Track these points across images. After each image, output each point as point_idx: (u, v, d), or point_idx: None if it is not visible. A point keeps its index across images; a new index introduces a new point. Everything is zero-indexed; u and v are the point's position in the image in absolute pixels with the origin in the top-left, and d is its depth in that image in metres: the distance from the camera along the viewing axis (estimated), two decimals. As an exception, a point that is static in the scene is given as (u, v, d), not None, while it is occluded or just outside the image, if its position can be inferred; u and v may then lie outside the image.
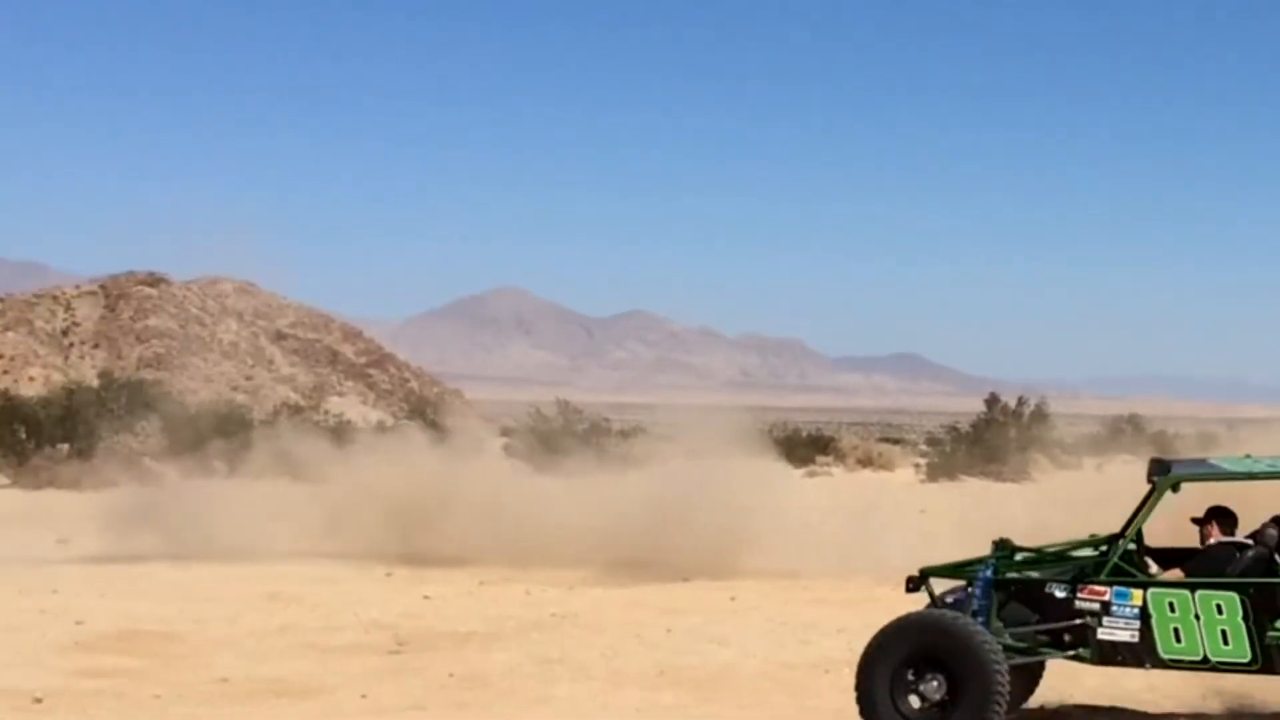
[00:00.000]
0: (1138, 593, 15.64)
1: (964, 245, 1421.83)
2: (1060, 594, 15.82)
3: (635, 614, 23.16)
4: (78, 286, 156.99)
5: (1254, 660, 15.24)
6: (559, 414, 64.91)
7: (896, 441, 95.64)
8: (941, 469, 64.31)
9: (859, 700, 15.21)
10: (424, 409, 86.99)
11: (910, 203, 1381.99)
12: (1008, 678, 15.00)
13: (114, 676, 18.16)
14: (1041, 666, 16.33)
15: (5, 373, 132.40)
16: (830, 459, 70.16)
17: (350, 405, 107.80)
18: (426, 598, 25.33)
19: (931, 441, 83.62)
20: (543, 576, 27.76)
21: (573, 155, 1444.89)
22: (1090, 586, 15.76)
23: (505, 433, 70.37)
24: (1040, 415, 69.46)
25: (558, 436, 56.62)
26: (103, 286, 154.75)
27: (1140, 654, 15.53)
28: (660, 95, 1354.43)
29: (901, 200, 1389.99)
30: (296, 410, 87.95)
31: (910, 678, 15.11)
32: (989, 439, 66.57)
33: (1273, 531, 15.81)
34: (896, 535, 31.22)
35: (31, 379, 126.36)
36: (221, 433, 52.79)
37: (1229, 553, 15.82)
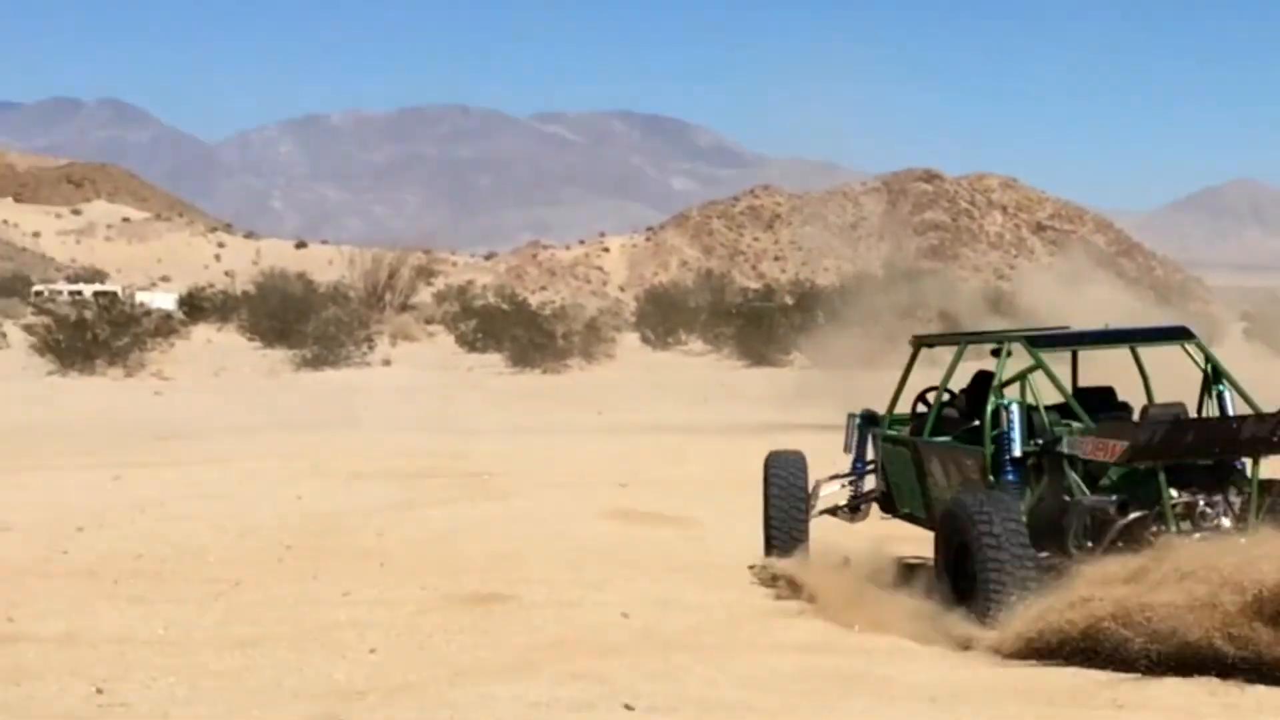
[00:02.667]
0: (880, 447, 15.17)
1: None
2: (871, 448, 15.47)
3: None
4: (864, 184, 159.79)
5: (929, 516, 14.00)
6: (1294, 299, 62.49)
7: None
8: None
9: None
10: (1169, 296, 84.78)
11: None
12: (788, 511, 15.20)
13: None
14: None
15: (804, 264, 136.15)
16: None
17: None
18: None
19: None
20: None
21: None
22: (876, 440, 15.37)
23: (1245, 318, 68.20)
24: None
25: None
26: (885, 183, 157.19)
27: (892, 505, 15.05)
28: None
29: None
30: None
31: None
32: None
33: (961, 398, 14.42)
34: None
35: (826, 269, 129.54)
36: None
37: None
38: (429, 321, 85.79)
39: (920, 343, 15.46)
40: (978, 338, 15.37)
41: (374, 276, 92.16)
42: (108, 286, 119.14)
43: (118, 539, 17.85)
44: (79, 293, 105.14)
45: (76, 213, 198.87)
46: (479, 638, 12.98)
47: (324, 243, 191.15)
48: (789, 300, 70.73)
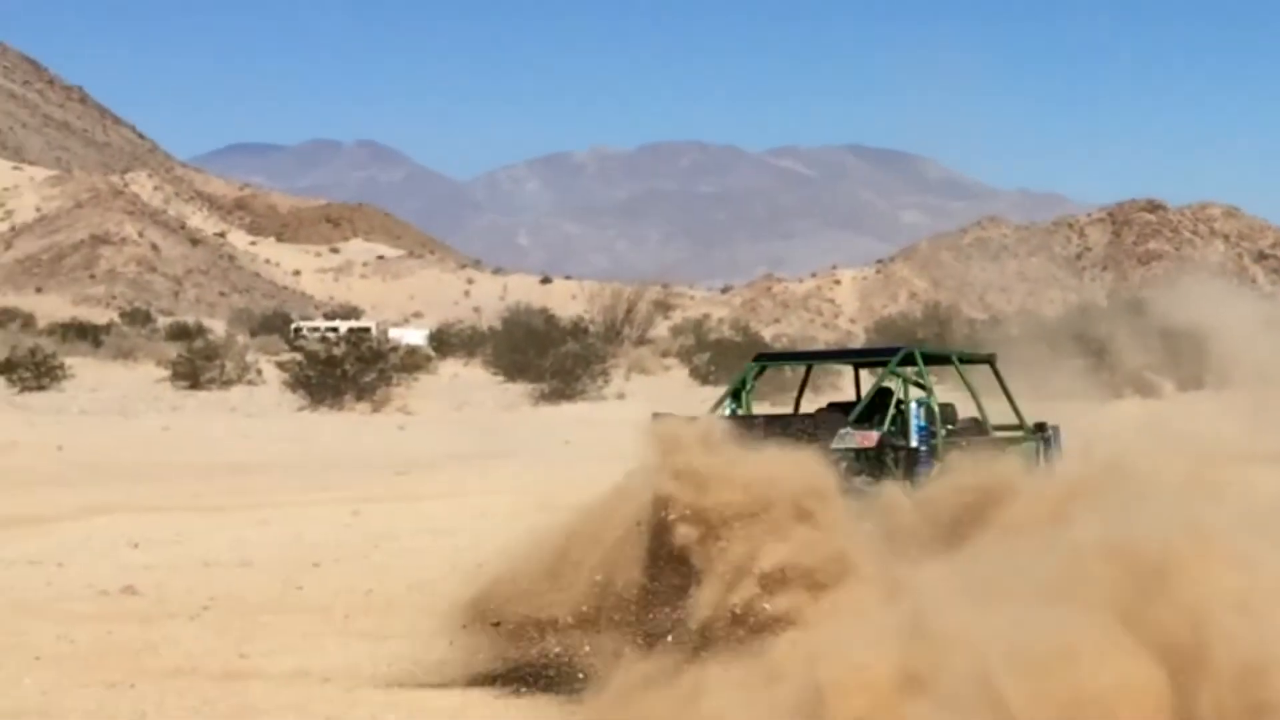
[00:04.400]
0: None
1: None
2: None
3: None
4: (1089, 214, 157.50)
5: None
6: None
7: None
8: None
9: None
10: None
11: None
12: None
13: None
14: None
15: (1030, 294, 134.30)
16: None
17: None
18: None
19: None
20: None
21: None
22: None
23: None
24: None
25: None
26: (1110, 214, 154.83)
27: None
28: None
29: None
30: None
31: None
32: None
33: None
34: None
35: (1051, 300, 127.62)
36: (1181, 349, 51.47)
37: None
38: (665, 355, 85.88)
39: (756, 364, 16.60)
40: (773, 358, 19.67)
41: (613, 311, 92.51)
42: (362, 323, 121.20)
43: (352, 574, 18.10)
44: (335, 329, 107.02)
45: (334, 251, 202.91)
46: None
47: (567, 278, 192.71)
48: (1014, 331, 69.63)
